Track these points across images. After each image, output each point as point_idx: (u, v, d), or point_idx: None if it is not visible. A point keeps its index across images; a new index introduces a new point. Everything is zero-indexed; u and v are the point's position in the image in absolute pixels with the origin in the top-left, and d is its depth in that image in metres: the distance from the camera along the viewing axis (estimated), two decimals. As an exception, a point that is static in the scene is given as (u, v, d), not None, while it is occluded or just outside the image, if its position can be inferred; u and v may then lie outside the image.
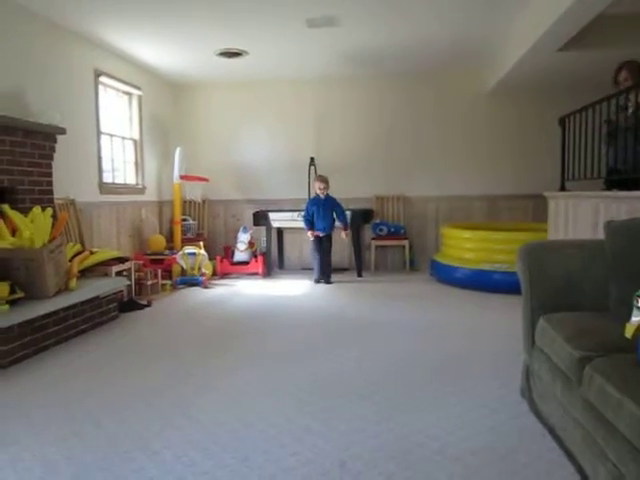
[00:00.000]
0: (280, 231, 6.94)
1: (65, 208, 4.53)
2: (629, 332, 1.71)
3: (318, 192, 5.90)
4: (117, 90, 5.90)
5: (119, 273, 4.54)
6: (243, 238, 6.47)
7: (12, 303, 3.22)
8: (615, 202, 3.30)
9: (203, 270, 5.92)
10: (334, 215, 5.91)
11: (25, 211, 3.79)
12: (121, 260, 4.64)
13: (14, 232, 3.60)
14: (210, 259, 6.26)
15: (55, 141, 4.24)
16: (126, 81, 5.90)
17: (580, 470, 1.77)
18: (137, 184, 6.25)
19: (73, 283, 3.78)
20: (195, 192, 6.74)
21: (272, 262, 6.67)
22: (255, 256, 6.50)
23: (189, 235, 6.66)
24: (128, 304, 4.66)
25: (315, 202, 5.92)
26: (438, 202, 6.85)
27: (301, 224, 6.23)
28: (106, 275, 4.34)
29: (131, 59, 5.86)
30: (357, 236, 6.30)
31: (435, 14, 4.59)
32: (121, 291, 4.61)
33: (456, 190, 6.78)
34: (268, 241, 6.50)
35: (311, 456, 1.97)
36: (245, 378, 2.86)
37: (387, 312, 4.46)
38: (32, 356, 3.29)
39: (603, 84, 4.08)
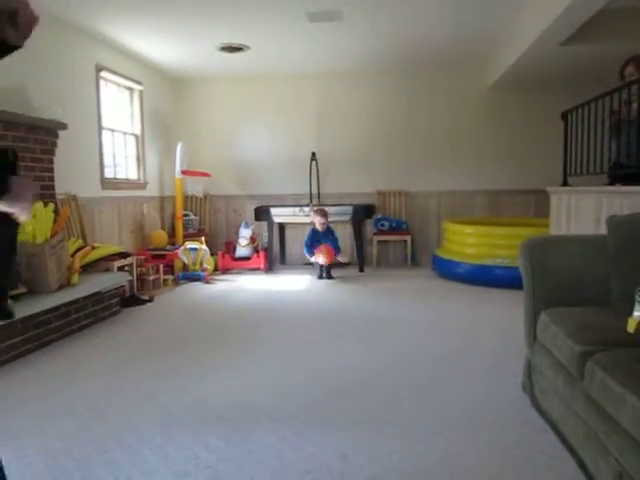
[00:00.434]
0: (282, 226, 6.94)
1: (67, 203, 4.53)
2: (631, 327, 1.71)
3: (318, 227, 5.96)
4: (118, 85, 5.88)
5: (121, 268, 4.54)
6: (245, 233, 6.47)
7: (14, 298, 3.23)
8: (618, 197, 3.29)
9: (205, 265, 5.93)
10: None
11: (27, 206, 3.78)
12: (123, 255, 4.64)
13: (16, 227, 3.60)
14: (212, 254, 6.26)
15: (57, 136, 4.24)
16: (127, 76, 5.89)
17: (581, 464, 1.78)
18: (139, 179, 6.24)
19: (75, 278, 3.78)
20: (197, 187, 6.75)
21: (274, 257, 6.67)
22: (257, 251, 6.50)
23: (191, 230, 6.66)
24: (130, 299, 4.67)
25: (315, 234, 6.01)
26: (440, 197, 6.84)
27: (302, 219, 6.25)
28: (108, 270, 4.34)
29: (132, 54, 5.85)
30: (359, 231, 6.30)
31: (438, 9, 4.56)
32: (123, 286, 4.62)
33: (458, 185, 6.76)
34: (270, 236, 6.50)
35: (313, 450, 1.98)
36: (246, 372, 2.86)
37: (389, 307, 4.46)
38: (34, 351, 3.30)
39: (606, 78, 4.07)
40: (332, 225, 6.12)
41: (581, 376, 1.71)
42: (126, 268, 4.70)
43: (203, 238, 6.26)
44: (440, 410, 2.32)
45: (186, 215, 6.72)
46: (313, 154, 6.64)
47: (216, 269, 6.35)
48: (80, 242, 4.38)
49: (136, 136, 6.22)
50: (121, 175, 5.90)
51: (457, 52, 5.98)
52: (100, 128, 5.32)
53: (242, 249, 6.46)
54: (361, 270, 6.28)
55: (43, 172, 4.12)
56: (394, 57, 6.15)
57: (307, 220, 6.25)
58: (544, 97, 6.43)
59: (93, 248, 4.35)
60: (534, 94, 6.51)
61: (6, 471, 1.18)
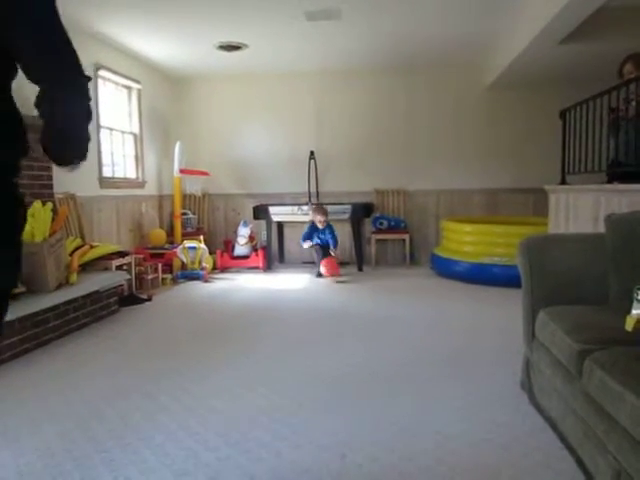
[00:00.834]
0: (280, 225, 6.94)
1: (65, 202, 4.52)
2: (629, 325, 1.71)
3: (318, 224, 5.99)
4: (116, 84, 5.87)
5: (119, 267, 4.54)
6: (243, 232, 6.47)
7: (13, 297, 3.22)
8: (616, 195, 3.29)
9: (203, 264, 5.92)
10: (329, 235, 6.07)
11: (25, 205, 3.78)
12: (121, 254, 4.64)
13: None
14: (210, 253, 6.26)
15: (55, 135, 4.22)
16: (125, 75, 5.88)
17: (580, 462, 1.78)
18: (137, 178, 6.24)
19: (73, 277, 3.78)
20: (195, 186, 6.74)
21: (272, 256, 6.67)
22: (255, 250, 6.50)
23: (189, 229, 6.65)
24: (128, 298, 4.66)
25: (314, 230, 6.05)
26: (438, 196, 6.84)
27: (301, 218, 6.26)
28: (106, 269, 4.34)
29: (130, 53, 5.84)
30: (358, 230, 6.30)
31: (436, 7, 4.56)
32: (121, 285, 4.61)
33: (457, 184, 6.77)
34: (268, 235, 6.50)
35: (312, 449, 1.98)
36: (246, 371, 2.86)
37: (388, 306, 4.46)
38: (33, 350, 3.30)
39: (605, 77, 4.06)
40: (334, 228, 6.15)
41: (579, 374, 1.71)
42: (124, 267, 4.69)
43: (202, 237, 6.26)
44: (439, 408, 2.33)
45: (185, 214, 6.71)
46: (312, 153, 6.64)
47: (215, 268, 6.34)
48: (78, 241, 4.38)
49: (134, 135, 6.21)
50: (119, 174, 5.89)
51: (455, 51, 5.98)
52: (98, 127, 5.31)
53: (241, 248, 6.46)
54: (360, 269, 6.28)
55: (41, 171, 4.11)
56: (392, 56, 6.14)
57: (306, 219, 6.25)
58: (542, 96, 6.43)
59: (91, 247, 4.34)
60: (532, 93, 6.51)
61: (5, 471, 1.19)
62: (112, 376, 2.83)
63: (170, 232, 6.50)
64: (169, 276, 5.70)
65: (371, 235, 6.62)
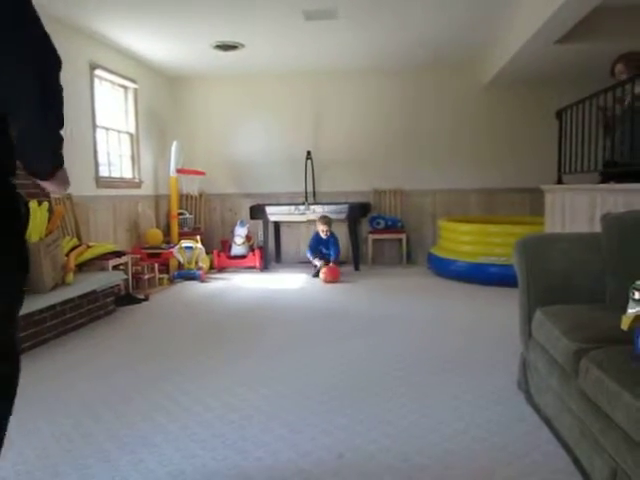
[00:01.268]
0: (277, 225, 6.94)
1: (61, 202, 4.51)
2: (625, 324, 1.72)
3: (321, 234, 6.02)
4: (113, 83, 5.86)
5: (116, 267, 4.53)
6: (240, 232, 6.46)
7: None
8: (612, 195, 3.30)
9: (200, 264, 5.91)
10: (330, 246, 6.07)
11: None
12: (118, 254, 4.63)
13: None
14: (207, 253, 6.24)
15: (51, 135, 4.21)
16: (122, 74, 5.87)
17: (576, 461, 1.78)
18: (133, 178, 6.22)
19: (70, 277, 3.77)
20: (192, 186, 6.73)
21: (269, 256, 6.67)
22: (252, 250, 6.50)
23: (186, 229, 6.65)
24: (125, 298, 4.65)
25: (319, 241, 6.09)
26: (435, 195, 6.85)
27: (298, 218, 6.26)
28: (103, 269, 4.33)
29: (127, 52, 5.82)
30: (354, 230, 6.30)
31: (433, 7, 4.57)
32: (118, 285, 4.61)
33: (453, 183, 6.78)
34: (265, 235, 6.50)
35: (309, 448, 1.98)
36: (243, 371, 2.86)
37: (384, 306, 4.47)
38: (29, 350, 3.28)
39: (601, 76, 4.07)
40: (334, 231, 6.14)
41: (576, 373, 1.71)
42: (121, 267, 4.69)
43: (198, 237, 6.25)
44: (435, 407, 2.33)
45: (181, 214, 6.70)
46: (308, 153, 6.64)
47: (212, 268, 6.34)
48: (75, 241, 4.37)
49: (131, 134, 6.20)
50: (116, 174, 5.88)
51: (452, 50, 5.99)
52: (94, 126, 5.30)
53: (238, 247, 6.46)
54: (356, 268, 6.28)
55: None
56: (389, 55, 6.15)
57: (303, 219, 6.25)
58: (539, 95, 6.45)
59: (88, 247, 4.33)
60: (529, 92, 6.53)
61: (1, 472, 1.19)
62: (109, 376, 2.83)
63: (167, 232, 6.49)
64: (166, 276, 5.70)
65: (368, 235, 6.62)
